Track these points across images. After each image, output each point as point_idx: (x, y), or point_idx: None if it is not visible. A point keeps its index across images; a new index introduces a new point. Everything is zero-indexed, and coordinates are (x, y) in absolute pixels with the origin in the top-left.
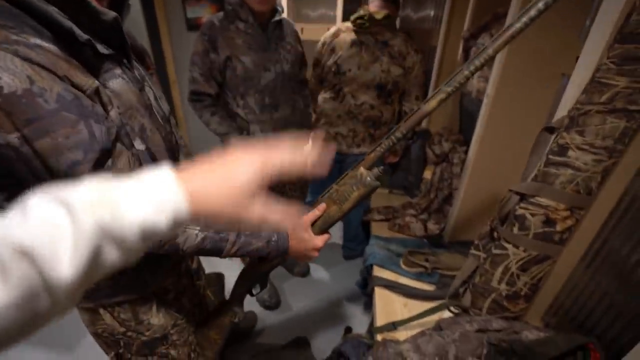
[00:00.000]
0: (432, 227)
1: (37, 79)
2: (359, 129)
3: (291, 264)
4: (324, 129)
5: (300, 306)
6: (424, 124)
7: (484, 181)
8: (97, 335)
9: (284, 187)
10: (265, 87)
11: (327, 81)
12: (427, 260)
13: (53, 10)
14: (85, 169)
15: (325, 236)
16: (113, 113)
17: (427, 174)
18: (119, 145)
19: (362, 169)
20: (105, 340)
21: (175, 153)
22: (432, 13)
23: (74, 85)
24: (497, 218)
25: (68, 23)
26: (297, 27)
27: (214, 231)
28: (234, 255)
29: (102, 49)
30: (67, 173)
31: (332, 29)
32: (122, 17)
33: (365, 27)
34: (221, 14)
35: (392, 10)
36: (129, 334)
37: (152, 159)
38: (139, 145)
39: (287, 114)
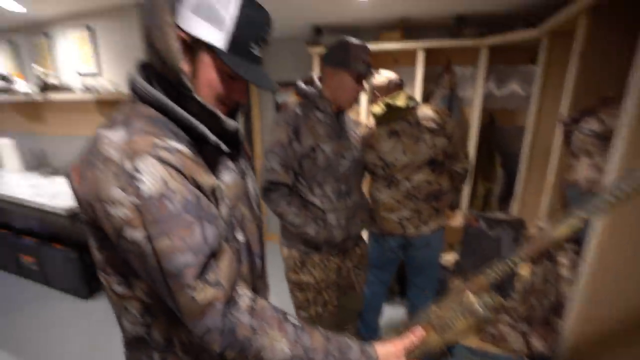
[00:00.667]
0: (537, 343)
1: (170, 181)
2: (422, 208)
3: None
4: (384, 217)
5: None
6: (516, 211)
7: (614, 292)
8: None
9: (348, 266)
10: (342, 174)
11: (376, 174)
12: None
13: (191, 118)
14: (193, 271)
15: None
16: (224, 209)
17: (523, 270)
18: (224, 244)
19: (469, 295)
20: None
21: (262, 237)
22: (518, 90)
23: (197, 184)
24: None
25: (202, 128)
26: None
27: (303, 348)
28: None
29: (224, 148)
30: (175, 274)
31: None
32: (236, 119)
33: (393, 118)
34: (299, 102)
35: (400, 84)
36: None
37: (248, 249)
38: (240, 237)
39: (357, 199)
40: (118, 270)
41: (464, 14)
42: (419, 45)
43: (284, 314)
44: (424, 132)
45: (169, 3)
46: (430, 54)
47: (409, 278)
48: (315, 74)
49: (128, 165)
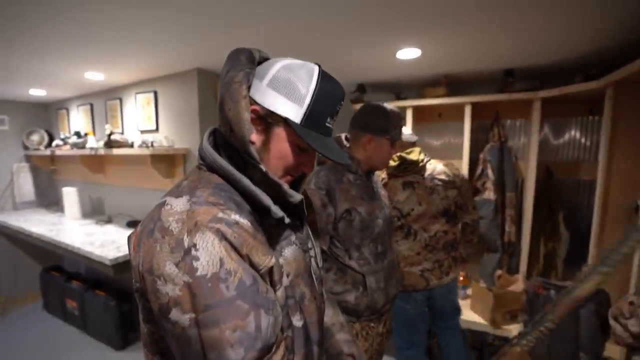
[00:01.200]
0: None
1: (227, 261)
2: (442, 258)
3: None
4: (406, 271)
5: None
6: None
7: None
8: None
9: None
10: (377, 235)
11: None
12: None
13: (257, 190)
14: None
15: None
16: (280, 291)
17: (611, 352)
18: (280, 335)
19: None
20: None
21: (322, 319)
22: (577, 138)
23: (252, 264)
24: None
25: (266, 199)
26: None
27: None
28: None
29: (287, 220)
30: None
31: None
32: (301, 188)
33: (407, 171)
34: (328, 166)
35: (414, 141)
36: None
37: (306, 335)
38: (296, 321)
39: (392, 258)
40: (159, 348)
41: (514, 67)
42: (465, 100)
43: None
44: (436, 184)
45: (245, 76)
46: (477, 107)
47: (438, 324)
48: (342, 135)
49: (186, 240)
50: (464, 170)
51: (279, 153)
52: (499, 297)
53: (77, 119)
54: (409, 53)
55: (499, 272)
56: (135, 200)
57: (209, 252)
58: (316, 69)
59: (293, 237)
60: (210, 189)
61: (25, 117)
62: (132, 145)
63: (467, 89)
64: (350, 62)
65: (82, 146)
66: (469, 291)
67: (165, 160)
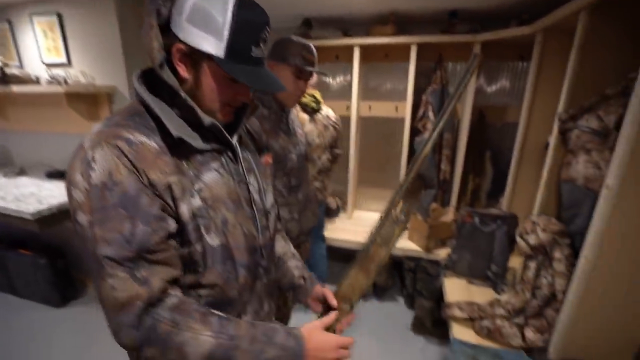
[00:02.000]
0: (533, 336)
1: (115, 173)
2: (325, 180)
3: None
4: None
5: None
6: (506, 207)
7: (611, 287)
8: None
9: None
10: (290, 169)
11: None
12: None
13: (161, 113)
14: (113, 264)
15: (350, 339)
16: (185, 208)
17: (514, 263)
18: (165, 245)
19: (393, 213)
20: None
21: (261, 250)
22: (508, 87)
23: (149, 180)
24: None
25: (168, 123)
26: (365, 104)
27: (228, 336)
28: None
29: (199, 144)
30: (99, 262)
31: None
32: (242, 121)
33: (315, 108)
34: None
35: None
36: None
37: (228, 256)
38: (212, 240)
39: (307, 192)
40: None
41: (458, 8)
42: (411, 40)
43: (208, 308)
44: (329, 123)
45: (153, 6)
46: (422, 49)
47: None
48: None
49: (90, 154)
50: (407, 111)
51: (210, 88)
52: (433, 227)
53: None
54: None
55: (433, 205)
56: (54, 148)
57: (102, 165)
58: None
59: (215, 164)
60: (127, 114)
61: None
62: (37, 82)
63: (413, 29)
64: None
65: None
66: (407, 224)
67: (85, 100)
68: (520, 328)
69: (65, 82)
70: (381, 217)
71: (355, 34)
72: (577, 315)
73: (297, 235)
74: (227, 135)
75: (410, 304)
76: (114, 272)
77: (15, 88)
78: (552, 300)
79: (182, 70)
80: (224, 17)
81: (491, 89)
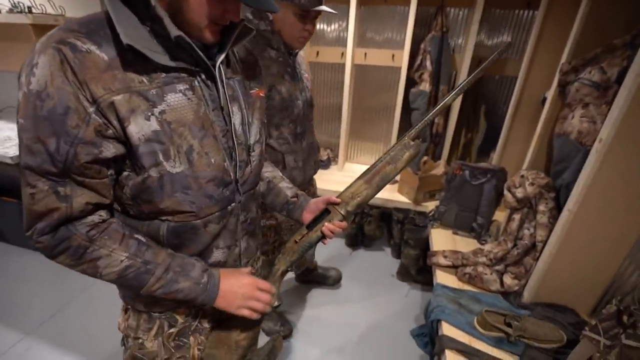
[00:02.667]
0: (510, 282)
1: (49, 85)
2: None
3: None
4: None
5: (324, 336)
6: (496, 161)
7: (588, 239)
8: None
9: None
10: (297, 116)
11: None
12: (508, 325)
13: (125, 23)
14: (33, 175)
15: (268, 285)
16: (133, 130)
17: (498, 217)
18: (100, 168)
19: (406, 139)
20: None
21: (236, 184)
22: (509, 40)
23: (91, 93)
24: (635, 299)
25: (119, 28)
26: (361, 52)
27: (143, 260)
28: (155, 293)
29: (160, 59)
30: (24, 169)
31: None
32: (228, 43)
33: None
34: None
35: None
36: (129, 341)
37: (189, 184)
38: (172, 167)
39: (311, 140)
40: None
41: None
42: None
43: (132, 231)
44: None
45: None
46: None
47: None
48: None
49: (35, 58)
50: (405, 60)
51: (199, 2)
52: (423, 180)
53: None
54: None
55: (425, 158)
56: None
57: (41, 72)
58: None
59: (181, 86)
60: (84, 20)
61: None
62: None
63: None
64: None
65: None
66: (397, 176)
67: None
68: (500, 275)
69: (30, 11)
70: (394, 144)
71: None
72: (553, 264)
73: (300, 184)
74: (201, 54)
75: (397, 253)
76: (35, 183)
77: None
78: (532, 249)
79: None
80: None
81: (492, 41)
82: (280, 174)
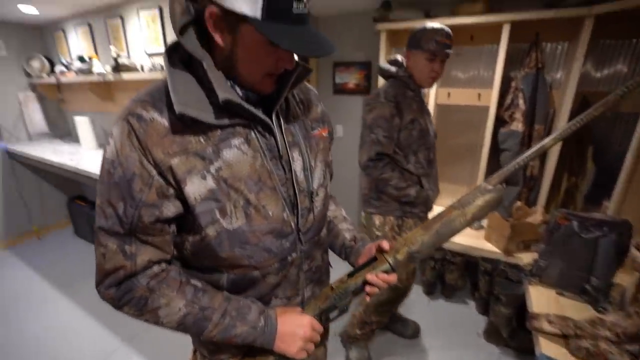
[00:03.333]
0: None
1: (120, 153)
2: None
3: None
4: None
5: None
6: (614, 212)
7: None
8: None
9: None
10: (431, 144)
11: None
12: None
13: (172, 86)
14: (104, 235)
15: (319, 326)
16: (190, 190)
17: (621, 280)
18: (162, 226)
19: (484, 183)
20: None
21: (298, 234)
22: (623, 70)
23: (153, 158)
24: None
25: (175, 97)
26: (444, 91)
27: (200, 307)
28: (214, 339)
29: (212, 120)
30: (96, 230)
31: None
32: (287, 88)
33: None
34: (390, 83)
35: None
36: None
37: (246, 239)
38: (229, 223)
39: (436, 168)
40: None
41: None
42: (504, 18)
43: (189, 277)
44: None
45: None
46: (515, 28)
47: None
48: (399, 56)
49: (112, 129)
50: (493, 99)
51: (249, 55)
52: (516, 228)
53: (77, 42)
54: None
55: (518, 203)
56: None
57: (114, 142)
58: None
59: (237, 140)
60: (151, 89)
61: (19, 40)
62: (142, 70)
63: (506, 5)
64: None
65: (88, 72)
66: (484, 222)
67: None
68: (634, 358)
69: (163, 69)
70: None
71: (438, 15)
72: None
73: (431, 205)
74: (253, 110)
75: (484, 309)
76: (106, 243)
77: (125, 75)
78: None
79: (219, 38)
80: None
81: (601, 73)
82: (343, 214)
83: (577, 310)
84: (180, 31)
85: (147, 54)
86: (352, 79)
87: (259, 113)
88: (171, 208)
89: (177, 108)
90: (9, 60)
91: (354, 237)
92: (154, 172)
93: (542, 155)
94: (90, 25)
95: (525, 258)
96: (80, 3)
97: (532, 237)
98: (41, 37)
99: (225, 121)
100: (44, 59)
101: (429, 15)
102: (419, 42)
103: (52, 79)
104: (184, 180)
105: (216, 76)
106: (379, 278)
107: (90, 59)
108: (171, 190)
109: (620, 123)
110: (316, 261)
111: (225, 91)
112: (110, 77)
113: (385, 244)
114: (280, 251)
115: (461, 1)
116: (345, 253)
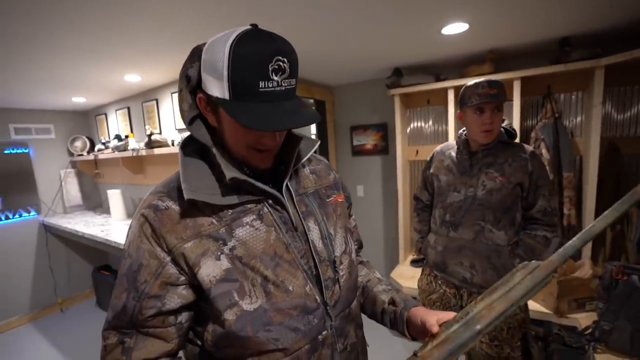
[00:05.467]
0: None
1: (132, 245)
2: None
3: None
4: None
5: None
6: None
7: None
8: None
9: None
10: (449, 204)
11: None
12: None
13: (183, 174)
14: (107, 327)
15: None
16: (204, 273)
17: None
18: (165, 318)
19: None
20: None
21: (325, 307)
22: None
23: (167, 245)
24: None
25: (185, 184)
26: None
27: None
28: None
29: (221, 201)
30: (105, 324)
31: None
32: (292, 160)
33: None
34: (446, 144)
35: None
36: None
37: (267, 319)
38: (249, 304)
39: (468, 238)
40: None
41: (569, 34)
42: (514, 76)
43: None
44: None
45: (183, 71)
46: (526, 82)
47: None
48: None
49: (132, 220)
50: None
51: (231, 132)
52: (564, 284)
53: (115, 123)
54: (455, 28)
55: None
56: None
57: (130, 233)
58: (234, 34)
59: (248, 218)
60: (168, 179)
61: (67, 125)
62: (172, 144)
63: (514, 64)
64: (387, 46)
65: (123, 148)
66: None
67: None
68: None
69: None
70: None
71: (448, 76)
72: None
73: (436, 264)
74: (260, 185)
75: None
76: (108, 335)
77: (156, 150)
78: None
79: (211, 119)
80: (222, 55)
81: (623, 116)
82: (377, 276)
83: None
84: (190, 123)
85: (176, 129)
86: (369, 140)
87: (268, 187)
88: (175, 299)
89: (186, 195)
90: (56, 142)
91: (392, 299)
92: (167, 259)
93: (577, 201)
94: (128, 108)
95: (582, 319)
96: (124, 91)
97: (584, 294)
98: (85, 120)
99: (235, 200)
100: (86, 139)
101: (439, 79)
102: (463, 99)
103: (90, 157)
104: (198, 263)
105: (219, 160)
106: None
107: (126, 137)
108: (182, 279)
109: None
110: (350, 338)
111: (232, 170)
112: (143, 152)
113: (436, 327)
114: (308, 329)
115: (469, 64)
116: (390, 321)
